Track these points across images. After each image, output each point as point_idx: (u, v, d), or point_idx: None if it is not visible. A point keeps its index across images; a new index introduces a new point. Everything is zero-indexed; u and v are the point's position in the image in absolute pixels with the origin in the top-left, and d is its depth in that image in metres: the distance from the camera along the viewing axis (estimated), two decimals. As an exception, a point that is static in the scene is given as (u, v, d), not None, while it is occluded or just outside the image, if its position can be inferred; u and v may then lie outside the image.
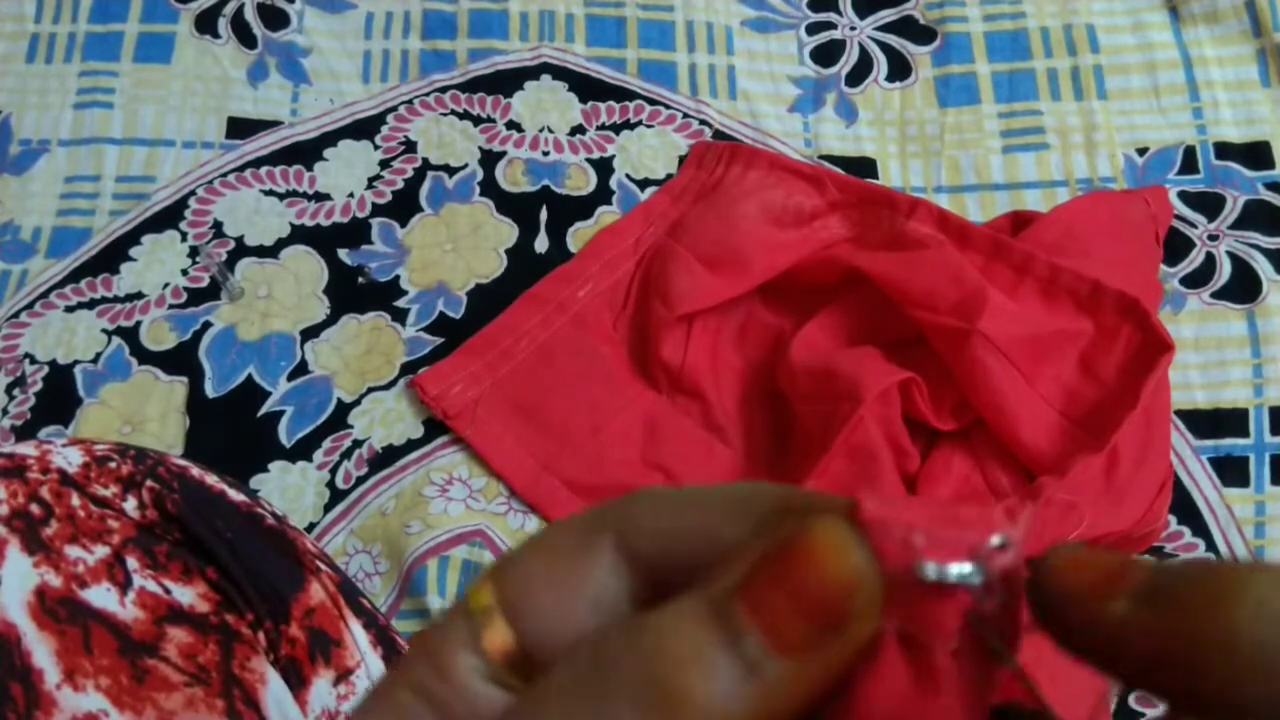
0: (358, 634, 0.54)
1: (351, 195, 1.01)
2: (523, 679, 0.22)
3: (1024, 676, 0.20)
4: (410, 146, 1.03)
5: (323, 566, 0.55)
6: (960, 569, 0.19)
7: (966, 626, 0.20)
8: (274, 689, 0.48)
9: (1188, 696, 0.19)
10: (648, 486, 0.25)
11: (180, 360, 0.94)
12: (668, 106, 1.05)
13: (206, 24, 1.08)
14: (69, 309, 0.96)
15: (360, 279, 0.98)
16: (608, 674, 0.19)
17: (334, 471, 0.91)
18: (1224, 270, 0.96)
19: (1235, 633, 0.18)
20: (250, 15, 1.09)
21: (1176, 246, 0.98)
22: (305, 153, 1.03)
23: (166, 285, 0.97)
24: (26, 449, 0.48)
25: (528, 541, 0.23)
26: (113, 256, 0.98)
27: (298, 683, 0.51)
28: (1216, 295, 0.96)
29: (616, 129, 1.04)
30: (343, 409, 0.93)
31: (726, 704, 0.18)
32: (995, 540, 0.20)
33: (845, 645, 0.19)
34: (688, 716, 0.18)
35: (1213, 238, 0.98)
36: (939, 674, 0.19)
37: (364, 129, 1.04)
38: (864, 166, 1.03)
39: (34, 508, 0.46)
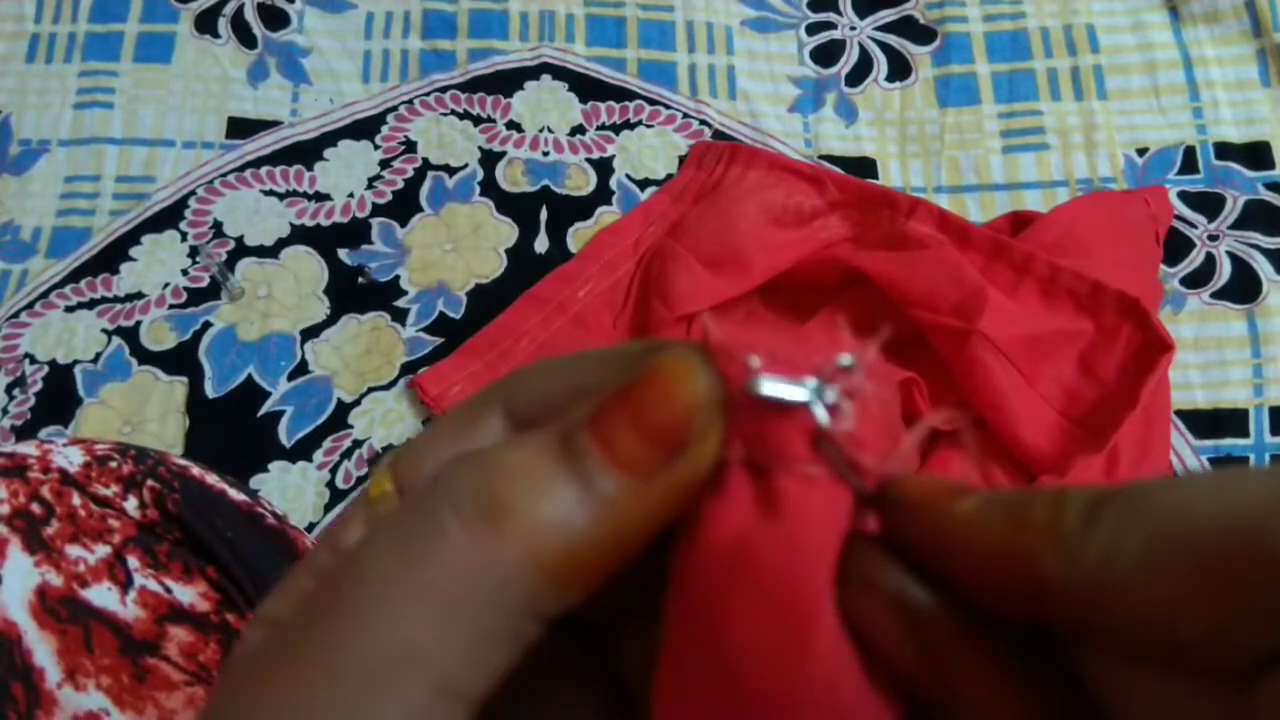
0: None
1: (351, 195, 1.01)
2: None
3: (870, 497, 0.19)
4: (410, 146, 1.03)
5: (323, 566, 0.55)
6: (796, 386, 0.19)
7: (818, 451, 0.19)
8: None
9: (1027, 595, 0.18)
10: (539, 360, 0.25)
11: (180, 360, 0.94)
12: (668, 106, 1.05)
13: (206, 24, 1.08)
14: (69, 309, 0.96)
15: (360, 279, 0.98)
16: (443, 487, 0.19)
17: (334, 471, 0.91)
18: (1224, 270, 0.96)
19: (1070, 531, 0.18)
20: (250, 15, 1.09)
21: (1176, 246, 0.98)
22: (305, 153, 1.03)
23: (166, 285, 0.97)
24: (27, 449, 0.48)
25: (421, 430, 0.23)
26: (113, 256, 0.98)
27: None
28: (1216, 295, 0.96)
29: (616, 129, 1.04)
30: (343, 409, 0.93)
31: (559, 523, 0.18)
32: (842, 360, 0.19)
33: (688, 468, 0.19)
34: (515, 530, 0.18)
35: (1213, 238, 0.98)
36: (783, 500, 0.19)
37: (364, 129, 1.04)
38: (864, 166, 1.03)
39: (35, 507, 0.46)
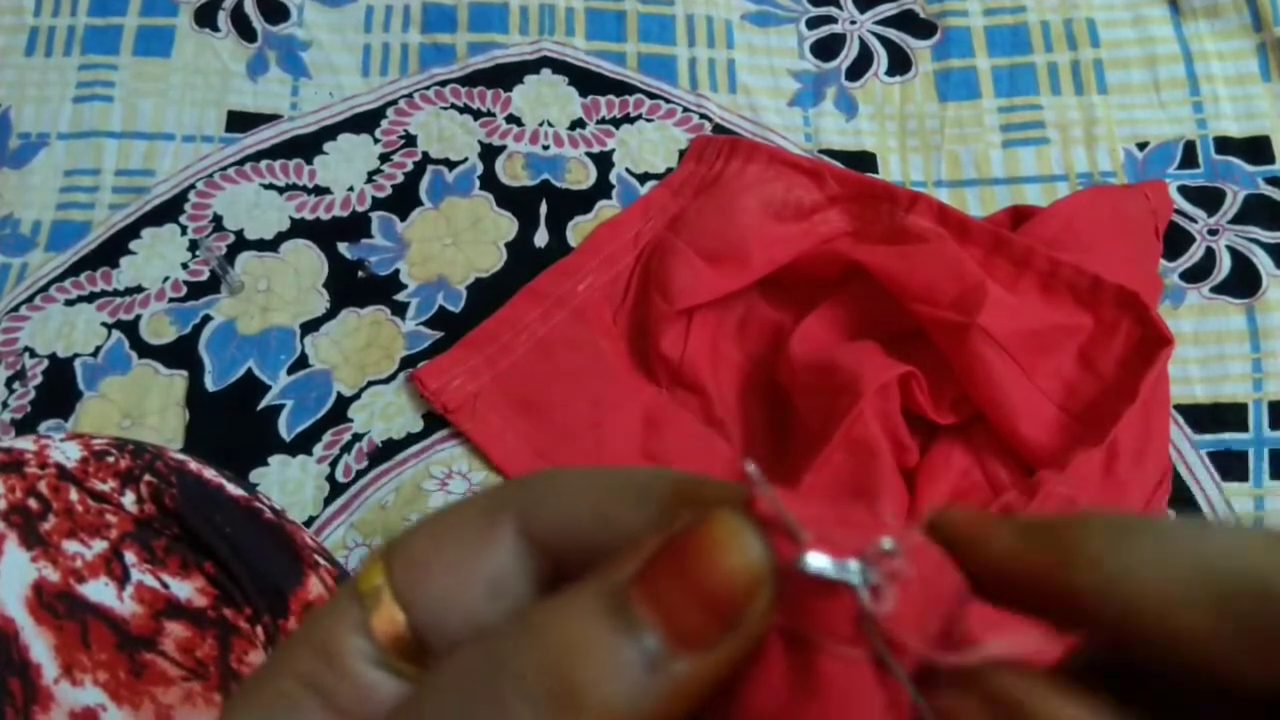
0: (356, 628, 0.54)
1: (351, 189, 1.01)
2: (415, 665, 0.21)
3: (908, 683, 0.19)
4: (410, 140, 1.03)
5: (321, 561, 0.55)
6: (842, 566, 0.19)
7: (861, 631, 0.19)
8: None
9: (1061, 610, 0.20)
10: (548, 468, 0.25)
11: (180, 354, 0.94)
12: (668, 100, 1.05)
13: (206, 17, 1.08)
14: (69, 302, 0.96)
15: (360, 273, 0.98)
16: (503, 668, 0.18)
17: (334, 465, 0.91)
18: (1224, 265, 0.96)
19: (1097, 553, 0.19)
20: (250, 9, 1.08)
21: (1176, 241, 0.97)
22: (305, 146, 1.03)
23: (166, 279, 0.97)
24: (25, 444, 0.48)
25: (422, 521, 0.22)
26: (112, 250, 0.98)
27: (296, 677, 0.51)
28: (1216, 290, 0.96)
29: (616, 123, 1.04)
30: (342, 403, 0.93)
31: (630, 702, 0.18)
32: (884, 544, 0.19)
33: (744, 640, 0.19)
34: (587, 714, 0.17)
35: (1213, 232, 0.98)
36: (822, 678, 0.19)
37: (364, 123, 1.04)
38: (864, 161, 1.03)
39: (32, 502, 0.46)
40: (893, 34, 1.09)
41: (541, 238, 0.99)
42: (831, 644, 0.19)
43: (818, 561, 0.19)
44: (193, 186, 1.01)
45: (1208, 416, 0.92)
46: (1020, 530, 0.21)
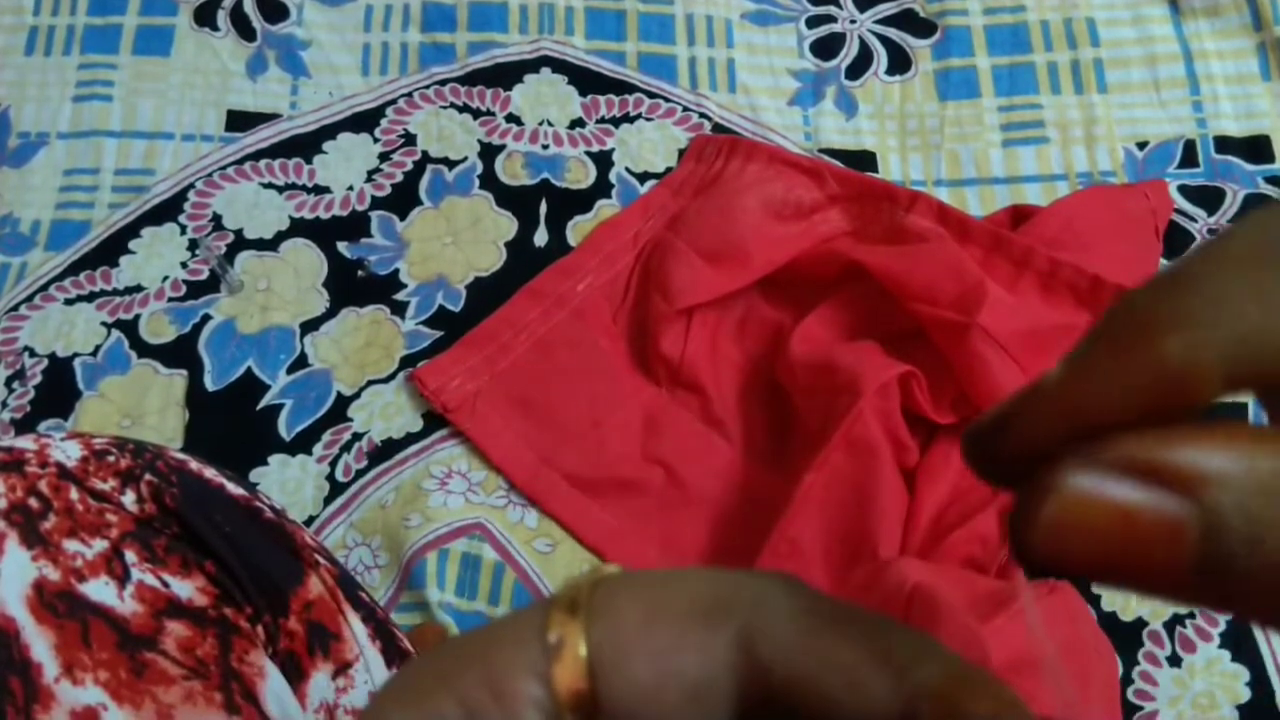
0: (356, 627, 0.54)
1: (351, 188, 1.01)
2: None
3: None
4: (410, 139, 1.03)
5: (321, 560, 0.55)
6: None
7: None
8: (272, 682, 0.48)
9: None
10: (779, 574, 0.22)
11: (180, 353, 0.94)
12: (667, 100, 1.05)
13: (206, 17, 1.08)
14: (68, 302, 0.96)
15: (360, 272, 0.98)
16: None
17: (334, 465, 0.91)
18: (1224, 264, 0.96)
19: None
20: (249, 8, 1.08)
21: (1176, 240, 0.97)
22: (304, 145, 1.03)
23: (166, 278, 0.97)
24: (25, 443, 0.48)
25: (632, 582, 0.21)
26: (112, 249, 0.98)
27: (296, 676, 0.51)
28: (1216, 289, 0.95)
29: (616, 122, 1.04)
30: (342, 402, 0.93)
31: None
32: None
33: None
34: None
35: (1212, 231, 0.98)
36: None
37: (363, 122, 1.04)
38: (864, 160, 1.03)
39: (32, 501, 0.46)
40: (893, 33, 1.09)
41: (541, 237, 0.99)
42: None
43: None
44: (192, 186, 1.01)
45: (1207, 416, 0.92)
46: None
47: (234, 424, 0.92)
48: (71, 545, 0.46)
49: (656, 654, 0.20)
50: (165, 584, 0.47)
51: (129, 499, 0.49)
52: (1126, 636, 0.85)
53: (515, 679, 0.20)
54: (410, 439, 0.92)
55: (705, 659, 0.20)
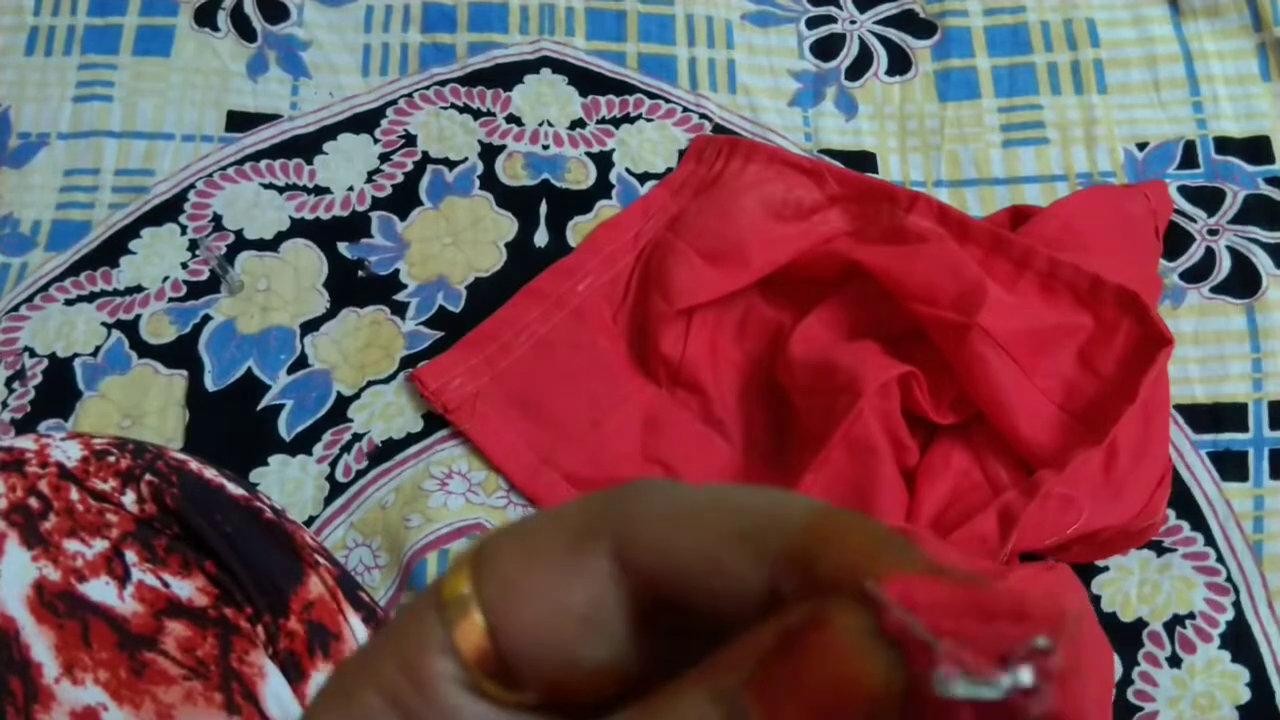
0: (356, 627, 0.54)
1: (351, 189, 1.01)
2: (500, 686, 0.20)
3: None
4: (410, 140, 1.03)
5: (321, 560, 0.55)
6: (991, 684, 0.17)
7: None
8: (272, 682, 0.48)
9: None
10: (643, 481, 0.23)
11: (180, 353, 0.94)
12: (667, 100, 1.05)
13: (206, 17, 1.08)
14: (68, 302, 0.96)
15: (360, 273, 0.98)
16: None
17: (334, 465, 0.91)
18: (1223, 265, 0.96)
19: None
20: (250, 8, 1.08)
21: (1176, 241, 0.97)
22: (305, 146, 1.03)
23: (166, 278, 0.97)
24: (25, 443, 0.48)
25: (510, 532, 0.21)
26: (112, 249, 0.98)
27: (296, 676, 0.51)
28: (1216, 290, 0.96)
29: (616, 123, 1.04)
30: (342, 402, 0.93)
31: None
32: (1040, 643, 0.17)
33: None
34: None
35: (1212, 232, 0.98)
36: None
37: (363, 122, 1.04)
38: (864, 160, 1.03)
39: (33, 501, 0.46)
40: (893, 34, 1.09)
41: (541, 237, 0.99)
42: None
43: (959, 687, 0.17)
44: (192, 186, 1.01)
45: (1207, 416, 0.92)
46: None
47: (234, 424, 0.92)
48: (72, 545, 0.46)
49: (541, 593, 0.20)
50: (165, 584, 0.47)
51: (129, 499, 0.49)
52: (1126, 636, 0.85)
53: (424, 657, 0.20)
54: (410, 439, 0.92)
55: (587, 583, 0.20)
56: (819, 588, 0.18)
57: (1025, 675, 0.17)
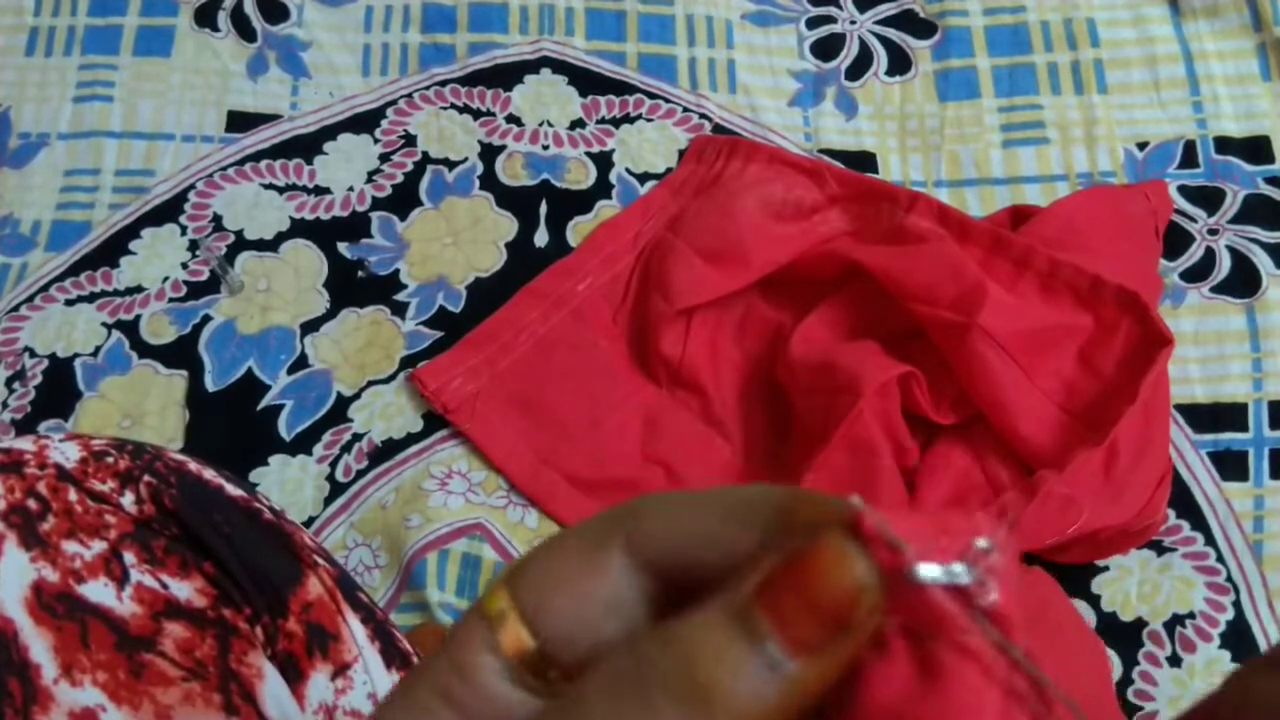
0: (355, 628, 0.54)
1: (351, 189, 1.01)
2: (542, 680, 0.23)
3: (1025, 663, 0.22)
4: (410, 140, 1.03)
5: (320, 561, 0.55)
6: (947, 570, 0.21)
7: (974, 622, 0.21)
8: (271, 683, 0.48)
9: None
10: (651, 492, 0.27)
11: (180, 354, 0.94)
12: (667, 100, 1.05)
13: (206, 17, 1.08)
14: (69, 302, 0.96)
15: (360, 273, 0.98)
16: (646, 674, 0.21)
17: (334, 465, 0.91)
18: (1224, 265, 0.96)
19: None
20: (250, 9, 1.08)
21: (1176, 241, 0.97)
22: (305, 146, 1.03)
23: (166, 279, 0.97)
24: (24, 444, 0.48)
25: (539, 546, 0.25)
26: (112, 250, 0.98)
27: (295, 677, 0.51)
28: (1216, 290, 0.96)
29: (616, 123, 1.04)
30: (342, 403, 0.93)
31: (753, 699, 0.20)
32: (980, 543, 0.22)
33: (852, 643, 0.21)
34: (720, 709, 0.20)
35: (1212, 232, 0.98)
36: (942, 668, 0.21)
37: (364, 122, 1.04)
38: (864, 160, 1.03)
39: (31, 503, 0.46)
40: (893, 34, 1.09)
41: (541, 238, 0.99)
42: (949, 636, 0.21)
43: (928, 571, 0.21)
44: (193, 186, 1.01)
45: (1208, 416, 0.92)
46: None
47: (234, 424, 0.92)
48: (70, 546, 0.46)
49: (568, 589, 0.24)
50: (164, 585, 0.47)
51: (128, 500, 0.49)
52: (1126, 636, 0.85)
53: (472, 655, 0.23)
54: (410, 439, 0.92)
55: (606, 575, 0.24)
56: (803, 532, 0.22)
57: (975, 569, 0.21)
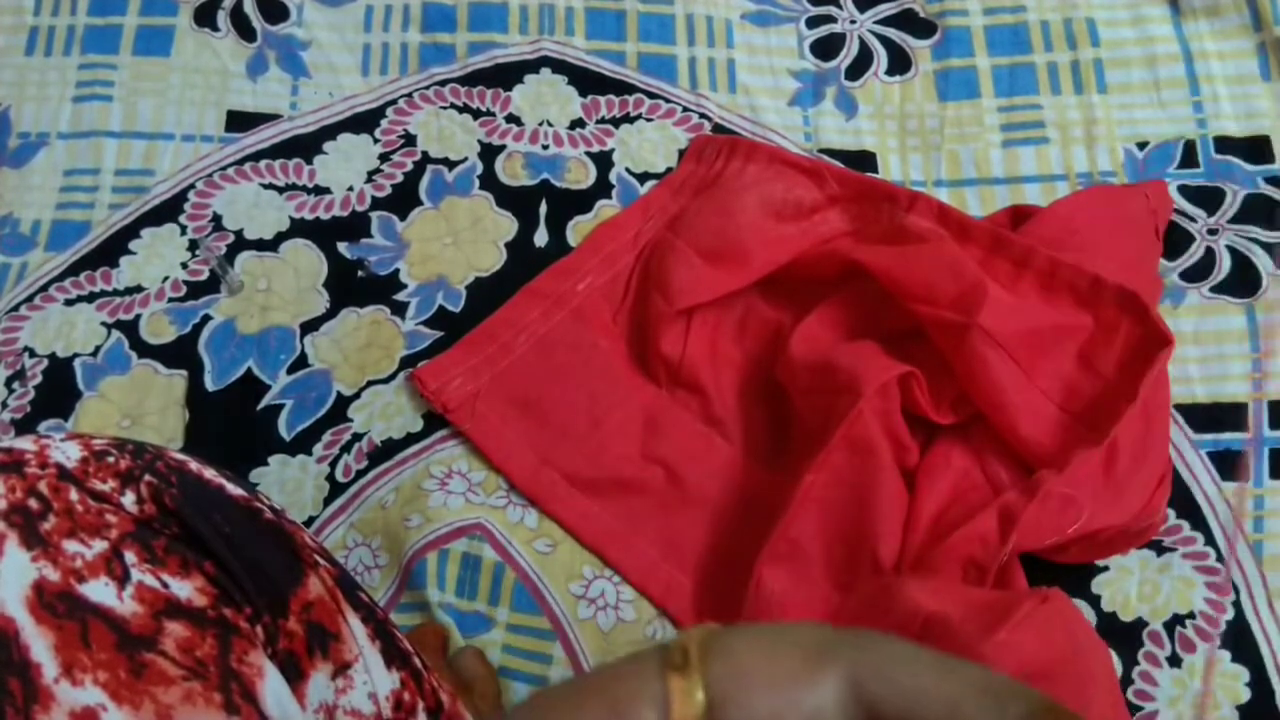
0: (356, 628, 0.54)
1: (351, 189, 1.01)
2: None
3: None
4: (410, 140, 1.03)
5: (321, 560, 0.55)
6: None
7: None
8: (272, 683, 0.48)
9: None
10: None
11: (180, 353, 0.94)
12: (667, 100, 1.05)
13: (206, 17, 1.08)
14: (68, 302, 0.96)
15: (360, 272, 0.98)
16: None
17: (334, 465, 0.91)
18: (1224, 264, 0.96)
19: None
20: (249, 8, 1.08)
21: (1176, 240, 0.97)
22: (305, 146, 1.03)
23: (166, 278, 0.97)
24: (24, 444, 0.48)
25: (744, 631, 0.24)
26: (112, 250, 0.98)
27: (296, 676, 0.51)
28: (1216, 289, 0.96)
29: (616, 122, 1.04)
30: (342, 402, 0.93)
31: None
32: None
33: None
34: None
35: (1212, 232, 0.98)
36: None
37: (363, 122, 1.04)
38: (864, 160, 1.03)
39: (32, 502, 0.46)
40: (892, 33, 1.09)
41: (541, 237, 0.99)
42: None
43: None
44: (192, 186, 1.01)
45: (1208, 416, 0.92)
46: None
47: (234, 424, 0.92)
48: (71, 546, 0.46)
49: (774, 687, 0.23)
50: (165, 584, 0.47)
51: (129, 500, 0.49)
52: (1126, 636, 0.84)
53: (636, 707, 0.23)
54: (410, 439, 0.92)
55: (818, 692, 0.23)
56: None
57: None
